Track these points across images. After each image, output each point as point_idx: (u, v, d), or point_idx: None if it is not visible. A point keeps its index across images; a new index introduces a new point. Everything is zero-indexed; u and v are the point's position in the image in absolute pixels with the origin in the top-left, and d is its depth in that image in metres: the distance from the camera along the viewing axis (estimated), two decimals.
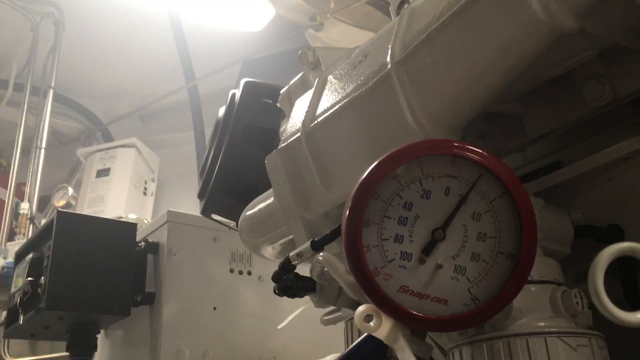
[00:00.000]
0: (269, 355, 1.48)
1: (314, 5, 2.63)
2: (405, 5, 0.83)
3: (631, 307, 0.61)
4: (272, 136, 1.03)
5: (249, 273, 1.54)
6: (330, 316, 0.84)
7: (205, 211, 1.15)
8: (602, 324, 0.54)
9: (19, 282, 1.47)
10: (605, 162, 0.66)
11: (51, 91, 3.02)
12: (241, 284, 1.52)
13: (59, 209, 1.42)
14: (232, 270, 1.53)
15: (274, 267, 0.70)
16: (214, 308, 1.47)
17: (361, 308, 0.45)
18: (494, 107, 0.68)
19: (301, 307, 1.19)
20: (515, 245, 0.45)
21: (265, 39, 2.87)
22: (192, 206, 1.19)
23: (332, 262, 0.55)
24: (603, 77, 0.65)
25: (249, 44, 2.94)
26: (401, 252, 0.45)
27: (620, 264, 0.57)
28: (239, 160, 1.07)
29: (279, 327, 1.32)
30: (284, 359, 1.49)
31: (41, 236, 1.45)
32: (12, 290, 1.50)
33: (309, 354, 1.45)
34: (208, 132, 2.10)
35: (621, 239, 0.63)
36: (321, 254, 0.59)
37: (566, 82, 0.67)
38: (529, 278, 0.54)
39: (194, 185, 1.19)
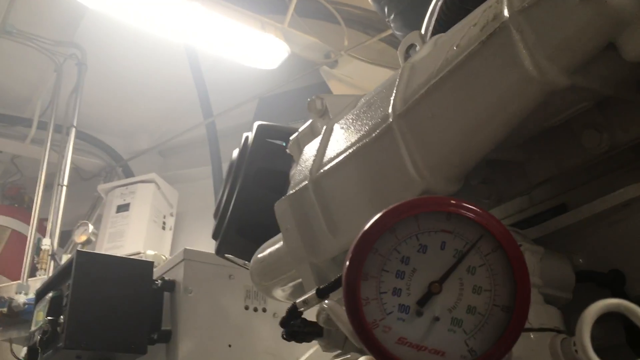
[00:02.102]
0: None
1: (328, 43, 2.69)
2: (413, 49, 0.86)
3: (634, 353, 0.62)
4: (284, 178, 1.06)
5: (264, 310, 1.56)
6: (340, 358, 0.85)
7: (219, 251, 1.17)
8: None
9: (39, 318, 1.50)
10: (606, 208, 0.67)
11: (73, 130, 3.10)
12: (256, 321, 1.54)
13: (78, 250, 1.45)
14: (247, 307, 1.54)
15: (289, 303, 0.72)
16: (229, 345, 1.48)
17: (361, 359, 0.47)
18: (495, 155, 0.69)
19: (315, 346, 1.20)
20: (510, 298, 0.46)
21: (281, 76, 2.93)
22: (210, 240, 1.22)
23: (336, 310, 0.57)
24: (601, 125, 0.66)
25: (265, 81, 3.00)
26: (399, 304, 0.47)
27: None
28: (252, 202, 1.09)
29: None
30: None
31: (61, 275, 1.49)
32: (33, 328, 1.53)
33: None
34: (225, 167, 2.14)
35: (622, 284, 0.64)
36: (326, 301, 0.60)
37: (565, 130, 0.68)
38: (529, 326, 0.55)
39: (212, 219, 1.22)
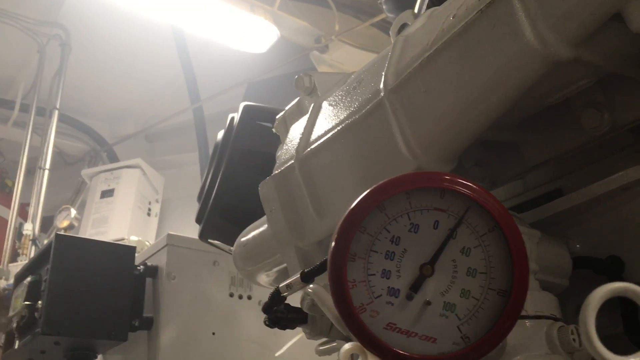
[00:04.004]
0: None
1: (318, 28, 2.64)
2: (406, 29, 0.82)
3: (631, 342, 0.59)
4: (270, 161, 1.02)
5: (249, 297, 1.52)
6: (325, 346, 0.82)
7: (203, 235, 1.13)
8: None
9: (17, 304, 1.46)
10: (604, 191, 0.64)
11: (56, 112, 3.03)
12: (241, 309, 1.50)
13: (57, 233, 1.41)
14: (231, 295, 1.51)
15: None
16: (213, 333, 1.45)
17: (346, 346, 0.43)
18: (490, 136, 0.66)
19: (300, 334, 1.17)
20: (507, 282, 0.43)
21: (270, 60, 2.88)
22: (196, 227, 1.18)
23: (322, 295, 0.54)
24: (602, 105, 0.63)
25: (254, 66, 2.95)
26: (388, 287, 0.44)
27: (621, 298, 0.56)
28: (237, 185, 1.06)
29: (277, 354, 1.29)
30: None
31: (40, 259, 1.44)
32: (11, 313, 1.49)
33: None
34: None
35: (621, 271, 0.62)
36: (311, 286, 0.57)
37: (564, 109, 0.65)
38: (525, 313, 0.52)
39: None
